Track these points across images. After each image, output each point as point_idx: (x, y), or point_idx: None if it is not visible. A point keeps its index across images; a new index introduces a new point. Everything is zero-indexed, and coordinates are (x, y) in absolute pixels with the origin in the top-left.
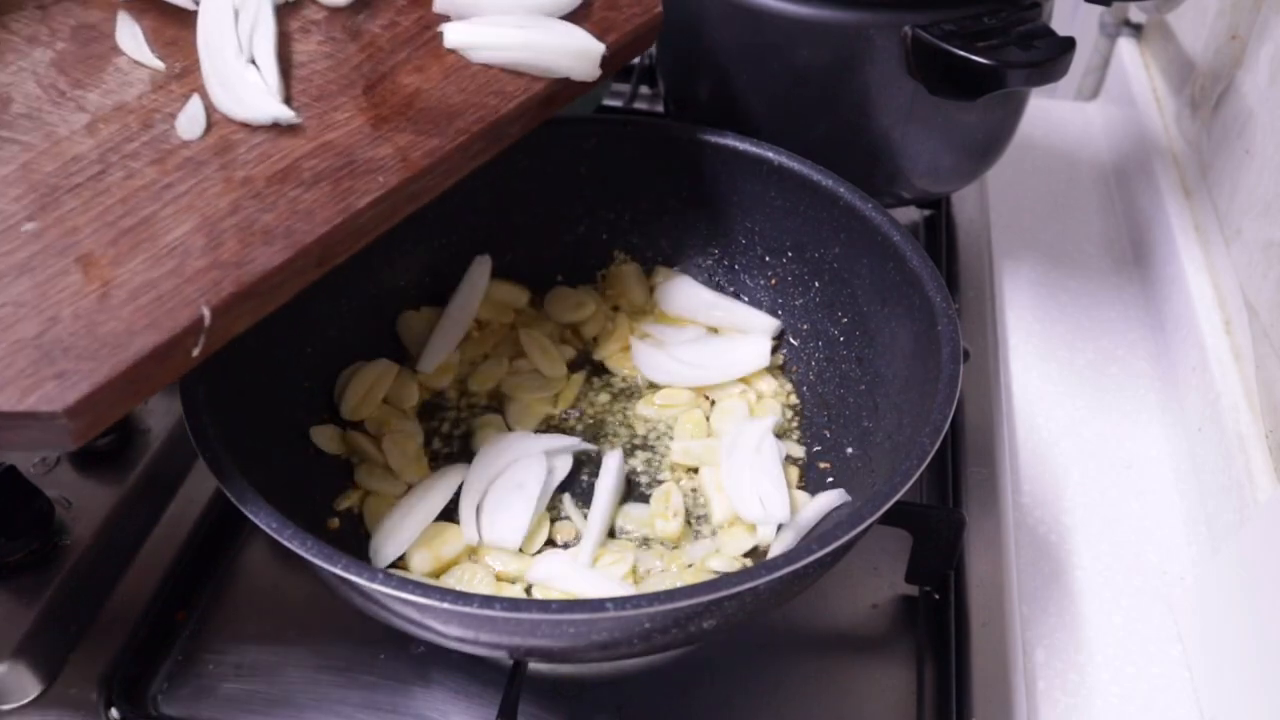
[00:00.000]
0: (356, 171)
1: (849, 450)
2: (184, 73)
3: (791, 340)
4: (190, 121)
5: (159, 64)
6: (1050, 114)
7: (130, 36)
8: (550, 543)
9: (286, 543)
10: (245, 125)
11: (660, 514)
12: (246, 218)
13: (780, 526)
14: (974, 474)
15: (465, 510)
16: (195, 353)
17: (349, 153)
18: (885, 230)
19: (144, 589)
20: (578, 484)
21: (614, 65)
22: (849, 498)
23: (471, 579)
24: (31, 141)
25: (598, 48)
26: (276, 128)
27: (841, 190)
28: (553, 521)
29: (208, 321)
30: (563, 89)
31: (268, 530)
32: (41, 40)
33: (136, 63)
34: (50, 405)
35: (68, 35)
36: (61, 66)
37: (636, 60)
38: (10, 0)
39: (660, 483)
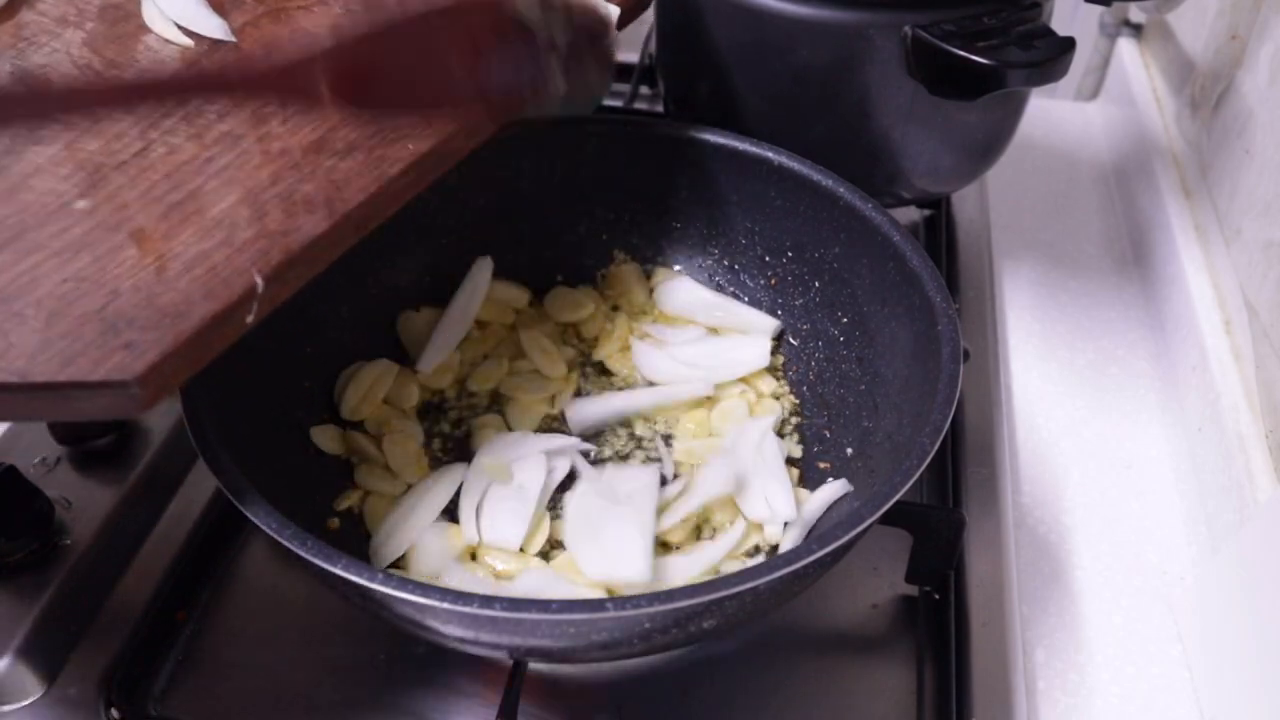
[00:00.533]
0: (386, 140)
1: (849, 450)
2: (212, 49)
3: (791, 340)
4: None
5: (188, 41)
6: (1050, 114)
7: (157, 15)
8: (549, 543)
9: (286, 543)
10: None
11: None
12: (287, 188)
13: (786, 524)
14: (974, 474)
15: (465, 510)
16: (249, 319)
17: (377, 120)
18: (885, 230)
19: (144, 589)
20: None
21: (621, 27)
22: (851, 487)
23: (471, 579)
24: (73, 120)
25: (613, 10)
26: (307, 99)
27: (841, 190)
28: (553, 521)
29: (260, 289)
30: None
31: (268, 530)
32: (70, 20)
33: (166, 40)
34: (122, 374)
35: (95, 14)
36: (94, 46)
37: (636, 60)
38: None
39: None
